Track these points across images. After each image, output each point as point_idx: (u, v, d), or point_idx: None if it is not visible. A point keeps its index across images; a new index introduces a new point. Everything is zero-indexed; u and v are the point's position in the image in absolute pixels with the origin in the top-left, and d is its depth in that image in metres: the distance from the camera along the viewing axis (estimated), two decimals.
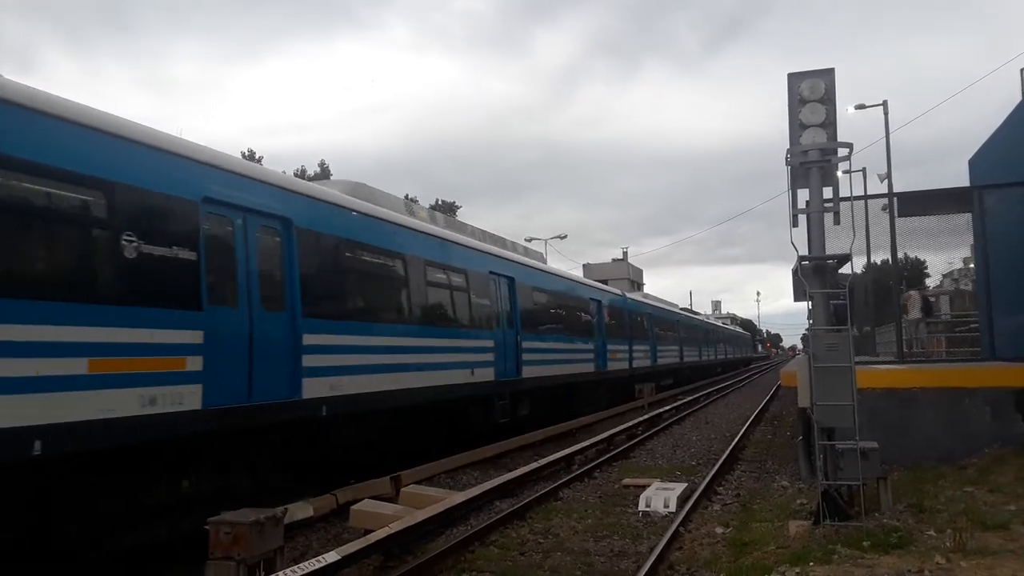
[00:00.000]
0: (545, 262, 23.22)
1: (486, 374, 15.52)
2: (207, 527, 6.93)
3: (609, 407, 24.91)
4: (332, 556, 6.86)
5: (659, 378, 34.02)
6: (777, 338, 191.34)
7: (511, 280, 17.62)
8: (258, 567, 6.81)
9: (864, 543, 7.18)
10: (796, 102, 8.99)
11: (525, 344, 17.77)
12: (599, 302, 25.42)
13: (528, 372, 17.87)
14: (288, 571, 6.41)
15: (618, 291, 30.65)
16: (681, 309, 54.21)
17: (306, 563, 6.62)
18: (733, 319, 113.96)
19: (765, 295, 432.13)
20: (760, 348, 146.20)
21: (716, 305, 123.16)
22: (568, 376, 21.40)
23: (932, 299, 22.20)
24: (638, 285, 64.99)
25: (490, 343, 15.88)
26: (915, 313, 21.93)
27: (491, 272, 16.53)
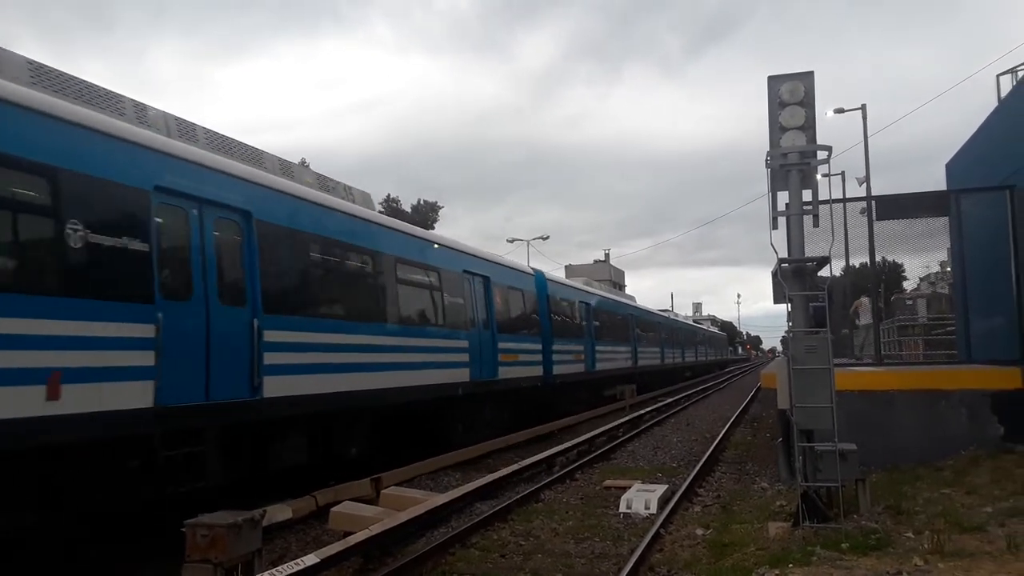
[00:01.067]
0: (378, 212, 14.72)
1: (128, 396, 7.57)
2: (183, 529, 6.86)
3: (509, 431, 17.56)
4: (311, 559, 6.81)
5: (598, 388, 27.03)
6: (757, 340, 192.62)
7: (245, 218, 9.54)
8: (236, 570, 6.74)
9: (843, 545, 7.23)
10: (776, 105, 9.01)
11: (275, 336, 9.67)
12: (486, 279, 17.13)
13: (283, 387, 9.71)
14: (266, 574, 6.35)
15: (529, 268, 22.66)
16: (661, 311, 53.74)
17: (284, 566, 6.57)
18: (713, 320, 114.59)
19: (745, 297, 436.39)
20: (740, 350, 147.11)
21: (697, 307, 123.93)
22: (412, 390, 13.22)
23: (881, 305, 22.59)
24: (620, 286, 65.18)
25: (143, 331, 7.77)
26: (866, 319, 22.47)
27: (171, 191, 8.42)
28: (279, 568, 6.53)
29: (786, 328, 9.93)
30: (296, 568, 6.55)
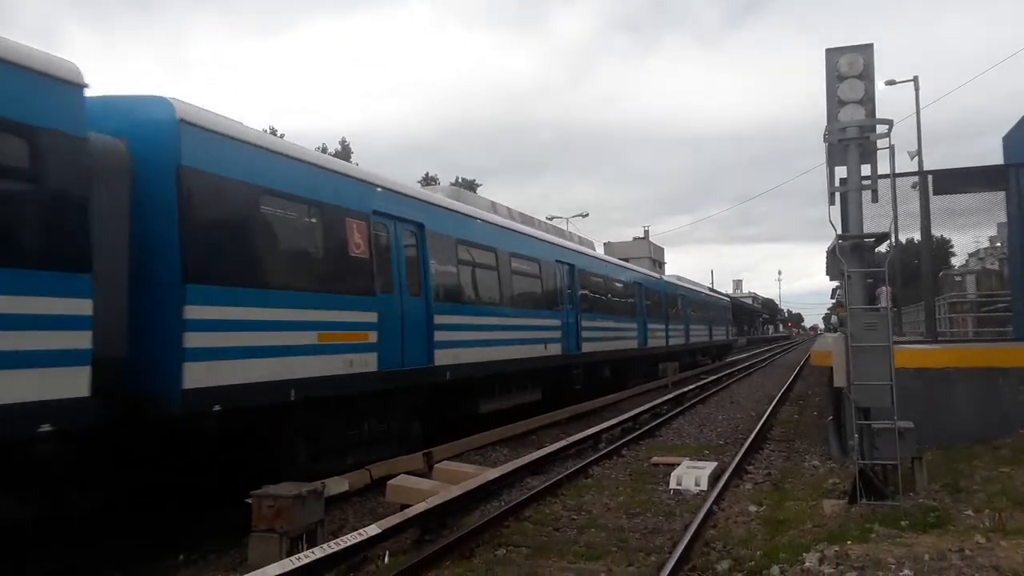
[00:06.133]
0: None
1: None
2: (248, 500, 7.07)
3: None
4: (373, 529, 6.98)
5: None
6: (799, 317, 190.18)
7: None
8: (300, 539, 6.95)
9: (902, 522, 7.20)
10: (834, 78, 8.87)
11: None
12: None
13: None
14: (331, 543, 6.53)
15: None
16: (709, 290, 48.27)
17: (349, 536, 6.74)
18: (754, 298, 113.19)
19: (786, 274, 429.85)
20: (781, 327, 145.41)
21: (737, 284, 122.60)
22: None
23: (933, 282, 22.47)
24: (660, 263, 64.57)
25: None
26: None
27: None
28: (343, 538, 6.70)
29: (827, 305, 9.82)
30: (359, 538, 6.72)
